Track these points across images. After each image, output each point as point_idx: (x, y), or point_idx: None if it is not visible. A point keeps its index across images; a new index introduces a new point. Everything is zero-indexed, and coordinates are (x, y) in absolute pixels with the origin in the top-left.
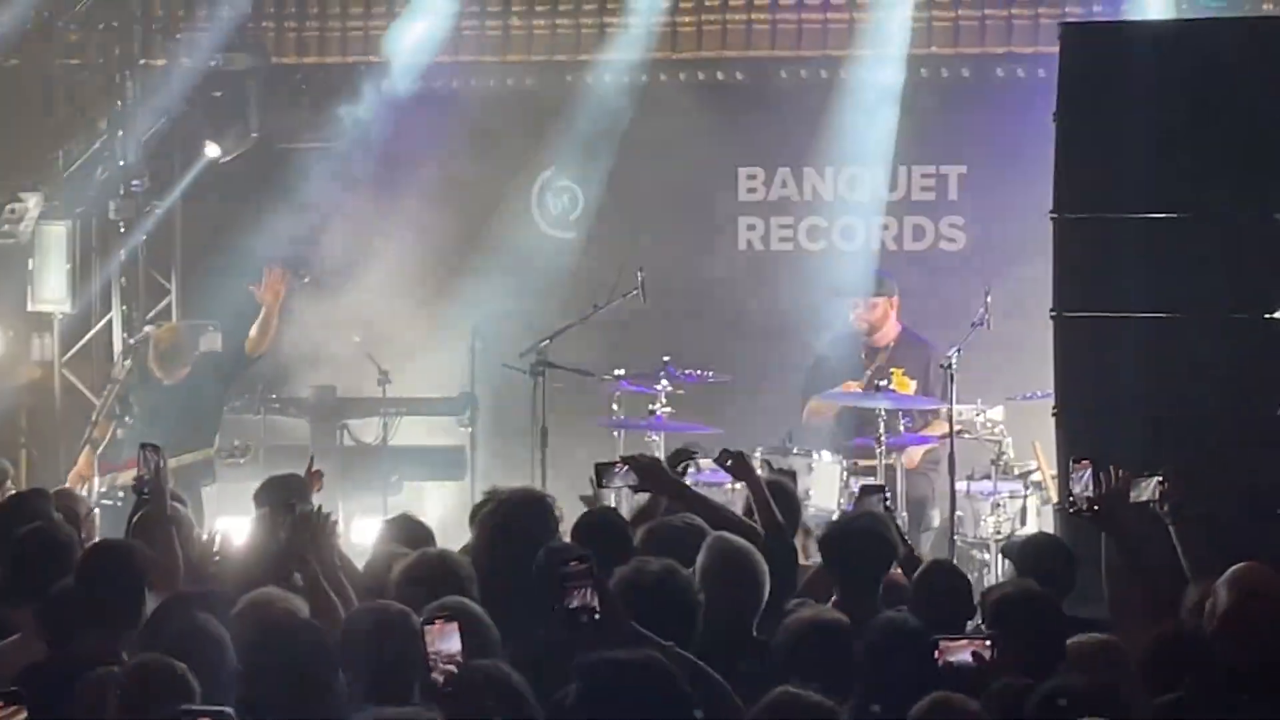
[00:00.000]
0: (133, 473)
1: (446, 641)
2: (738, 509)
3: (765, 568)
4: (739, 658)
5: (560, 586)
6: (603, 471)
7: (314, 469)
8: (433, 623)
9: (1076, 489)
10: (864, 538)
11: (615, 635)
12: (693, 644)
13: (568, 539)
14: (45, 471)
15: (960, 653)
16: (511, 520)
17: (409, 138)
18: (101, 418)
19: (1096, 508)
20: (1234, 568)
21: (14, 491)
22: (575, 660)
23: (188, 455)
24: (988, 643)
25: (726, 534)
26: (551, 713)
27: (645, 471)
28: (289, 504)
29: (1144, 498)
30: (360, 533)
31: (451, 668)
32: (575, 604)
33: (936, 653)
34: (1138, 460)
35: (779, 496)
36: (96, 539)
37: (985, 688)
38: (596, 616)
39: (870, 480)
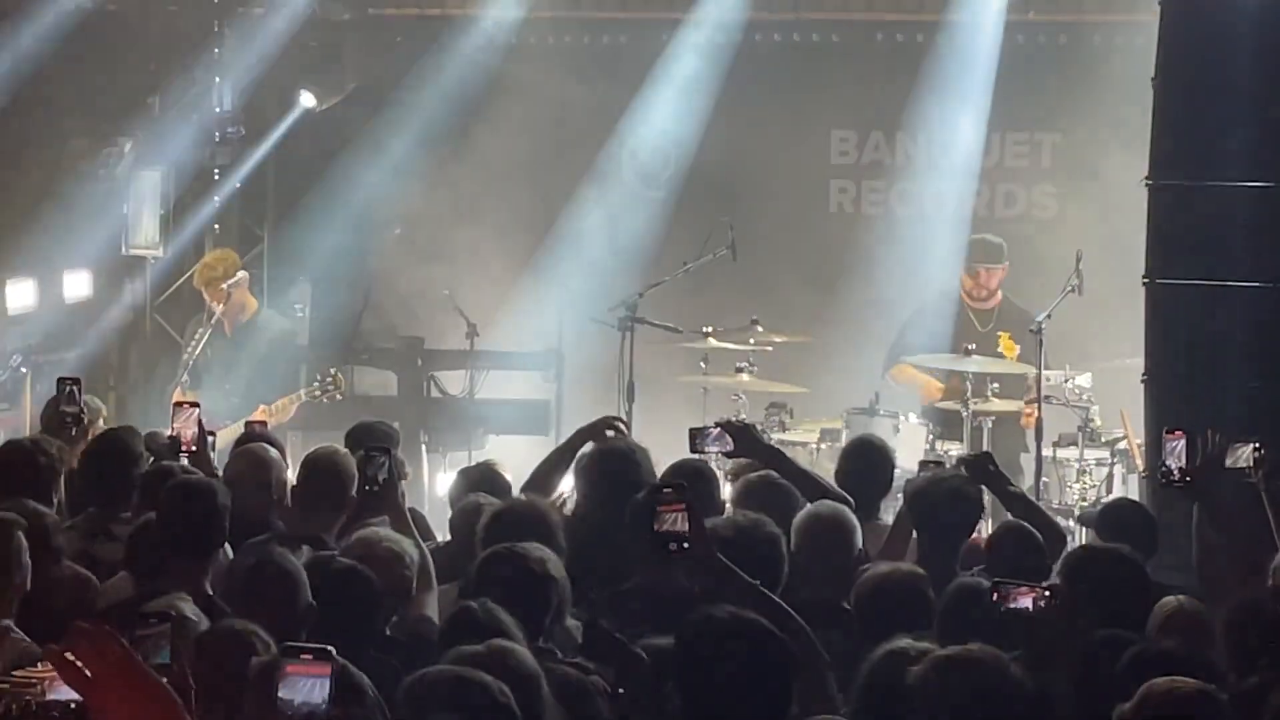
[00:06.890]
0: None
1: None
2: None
3: (859, 537)
4: (832, 627)
5: (652, 511)
6: (696, 435)
7: None
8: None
9: (1169, 460)
10: (951, 497)
11: (702, 565)
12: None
13: None
14: (134, 414)
15: (1020, 599)
16: (612, 468)
17: (501, 92)
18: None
19: (1189, 479)
20: None
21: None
22: (681, 621)
23: (280, 401)
24: (1046, 592)
25: (828, 502)
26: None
27: (740, 436)
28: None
29: (1239, 464)
30: (445, 485)
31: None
32: (664, 528)
33: (995, 595)
34: (1228, 428)
35: (872, 456)
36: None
37: (1046, 636)
38: (685, 545)
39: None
